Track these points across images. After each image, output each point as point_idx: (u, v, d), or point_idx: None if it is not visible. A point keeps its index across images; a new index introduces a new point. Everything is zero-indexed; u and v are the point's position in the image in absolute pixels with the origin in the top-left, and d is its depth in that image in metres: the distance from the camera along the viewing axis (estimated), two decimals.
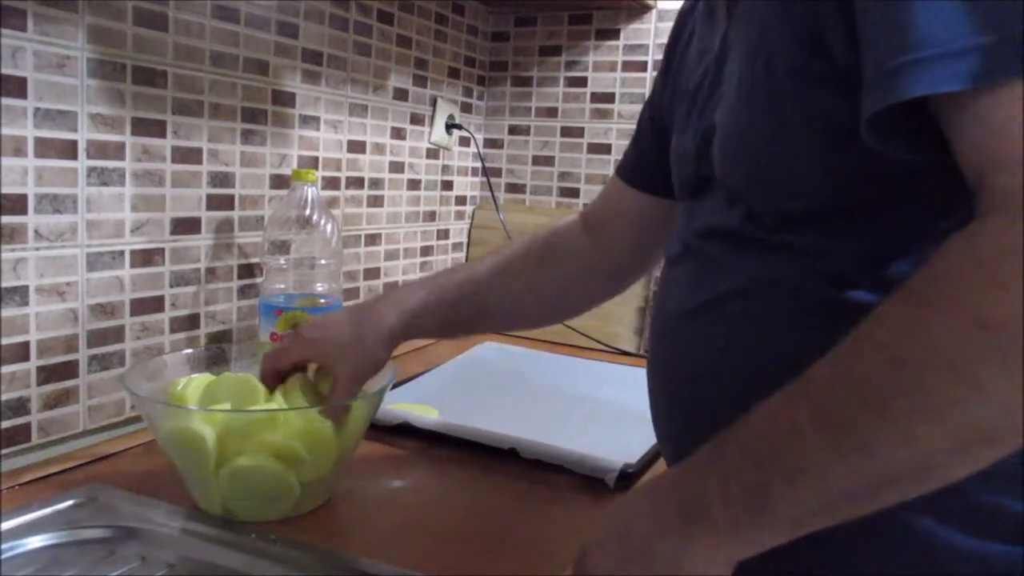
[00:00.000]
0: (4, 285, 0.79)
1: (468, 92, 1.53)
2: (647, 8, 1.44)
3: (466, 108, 1.53)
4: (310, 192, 1.02)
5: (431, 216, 1.47)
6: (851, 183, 0.50)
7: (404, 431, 0.91)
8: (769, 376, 0.51)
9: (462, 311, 0.81)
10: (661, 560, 0.46)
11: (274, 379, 0.76)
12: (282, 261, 1.02)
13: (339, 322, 0.79)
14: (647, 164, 0.78)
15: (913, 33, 0.41)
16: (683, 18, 0.74)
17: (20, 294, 0.80)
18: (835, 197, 0.51)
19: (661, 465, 0.86)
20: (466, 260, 1.58)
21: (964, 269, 0.38)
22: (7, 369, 0.80)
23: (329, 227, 1.04)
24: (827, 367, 0.42)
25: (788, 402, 0.43)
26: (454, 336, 1.03)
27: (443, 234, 1.51)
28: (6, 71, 0.77)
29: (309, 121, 1.14)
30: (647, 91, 1.45)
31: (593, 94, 1.50)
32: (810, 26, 0.49)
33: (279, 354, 0.77)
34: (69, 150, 0.83)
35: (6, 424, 0.81)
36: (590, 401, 1.09)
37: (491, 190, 1.53)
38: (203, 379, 0.76)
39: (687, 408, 0.60)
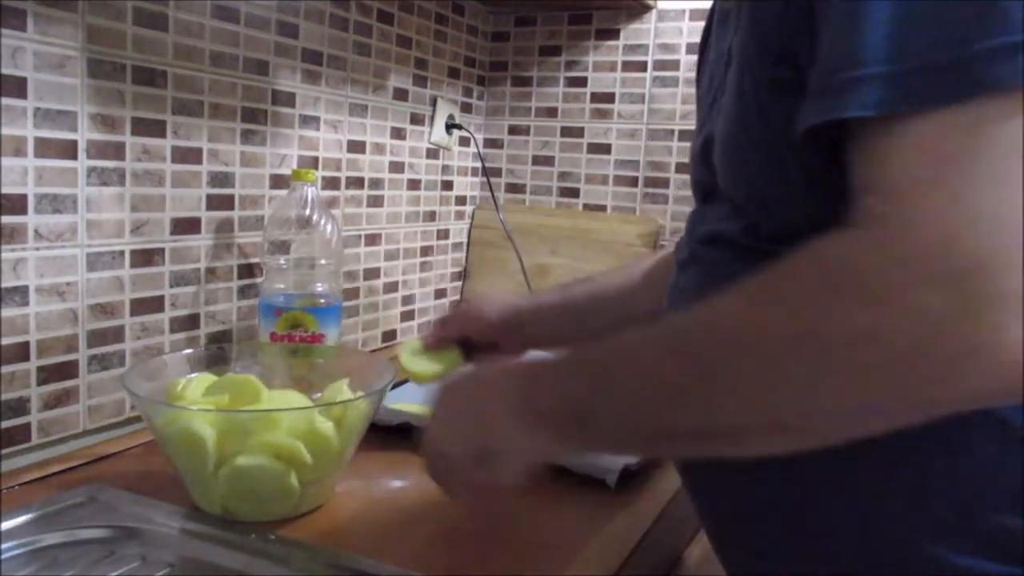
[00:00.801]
0: (4, 285, 0.79)
1: (468, 92, 1.53)
2: (647, 8, 1.43)
3: (466, 108, 1.53)
4: (310, 192, 1.02)
5: (431, 216, 1.47)
6: (840, 195, 0.49)
7: (404, 431, 0.91)
8: None
9: (589, 318, 0.84)
10: (494, 436, 0.52)
11: (437, 344, 0.84)
12: (282, 261, 1.02)
13: (504, 303, 0.86)
14: None
15: (837, 55, 0.42)
16: (707, 26, 0.73)
17: (20, 294, 0.80)
18: (827, 209, 0.50)
19: (662, 464, 0.86)
20: (465, 260, 1.59)
21: (807, 276, 0.41)
22: (7, 369, 0.80)
23: (329, 227, 1.04)
24: (678, 328, 0.46)
25: (643, 341, 0.47)
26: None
27: (443, 234, 1.51)
28: (6, 71, 0.77)
29: (309, 121, 1.14)
30: (647, 91, 1.46)
31: (593, 94, 1.50)
32: (782, 37, 0.49)
33: (445, 323, 0.85)
34: (69, 150, 0.83)
35: (6, 424, 0.81)
36: None
37: (491, 190, 1.53)
38: (203, 379, 0.76)
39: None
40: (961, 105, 0.39)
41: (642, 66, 1.46)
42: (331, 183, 1.21)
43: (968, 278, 0.36)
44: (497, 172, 1.60)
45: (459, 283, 1.58)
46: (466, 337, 0.85)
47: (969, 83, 0.38)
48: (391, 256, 1.37)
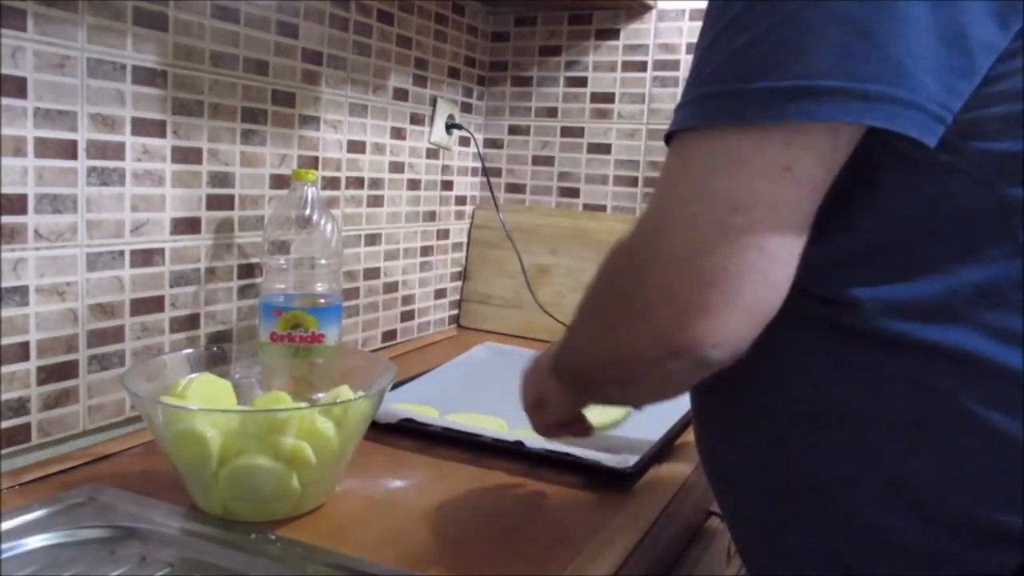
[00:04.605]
0: (4, 285, 0.79)
1: (468, 92, 1.53)
2: (647, 8, 1.43)
3: (466, 108, 1.53)
4: (310, 192, 1.02)
5: (431, 216, 1.47)
6: None
7: (404, 431, 0.91)
8: (753, 386, 0.55)
9: None
10: (542, 389, 0.73)
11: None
12: (282, 261, 1.02)
13: None
14: None
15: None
16: None
17: (20, 294, 0.80)
18: None
19: (664, 462, 0.86)
20: (466, 260, 1.58)
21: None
22: (7, 369, 0.80)
23: (329, 227, 1.04)
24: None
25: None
26: None
27: (443, 234, 1.51)
28: (6, 71, 0.77)
29: (309, 121, 1.14)
30: (647, 91, 1.46)
31: (593, 94, 1.50)
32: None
33: None
34: (69, 150, 0.83)
35: (6, 424, 0.81)
36: None
37: (491, 190, 1.53)
38: (204, 379, 0.76)
39: (699, 409, 0.63)
40: (683, 132, 0.48)
41: (642, 66, 1.46)
42: (331, 183, 1.21)
43: (632, 274, 0.50)
44: (497, 172, 1.60)
45: (459, 283, 1.58)
46: None
47: (691, 114, 0.47)
48: (391, 256, 1.37)
